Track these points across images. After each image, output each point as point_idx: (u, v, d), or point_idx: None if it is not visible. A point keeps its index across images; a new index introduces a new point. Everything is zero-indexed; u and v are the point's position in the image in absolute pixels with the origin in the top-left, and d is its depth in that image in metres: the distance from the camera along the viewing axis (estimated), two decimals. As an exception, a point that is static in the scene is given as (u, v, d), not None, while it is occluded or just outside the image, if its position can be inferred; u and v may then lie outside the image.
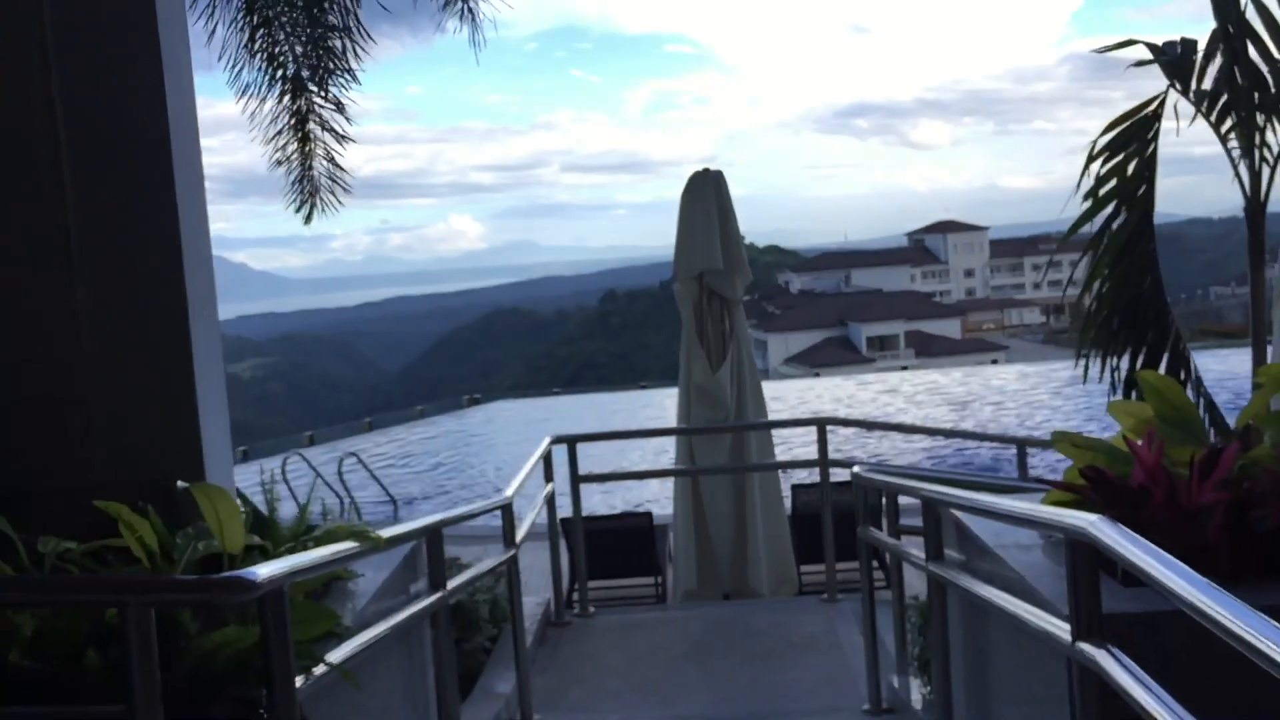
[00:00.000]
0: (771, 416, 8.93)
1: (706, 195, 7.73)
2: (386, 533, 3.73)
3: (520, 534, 5.74)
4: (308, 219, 8.19)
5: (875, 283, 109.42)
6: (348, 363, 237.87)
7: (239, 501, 4.17)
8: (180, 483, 3.12)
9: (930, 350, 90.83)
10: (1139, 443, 3.42)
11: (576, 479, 7.26)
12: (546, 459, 6.95)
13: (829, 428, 7.27)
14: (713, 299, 7.88)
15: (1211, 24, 5.18)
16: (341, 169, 8.17)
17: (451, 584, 4.35)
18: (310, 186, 8.10)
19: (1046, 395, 23.83)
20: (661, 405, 26.77)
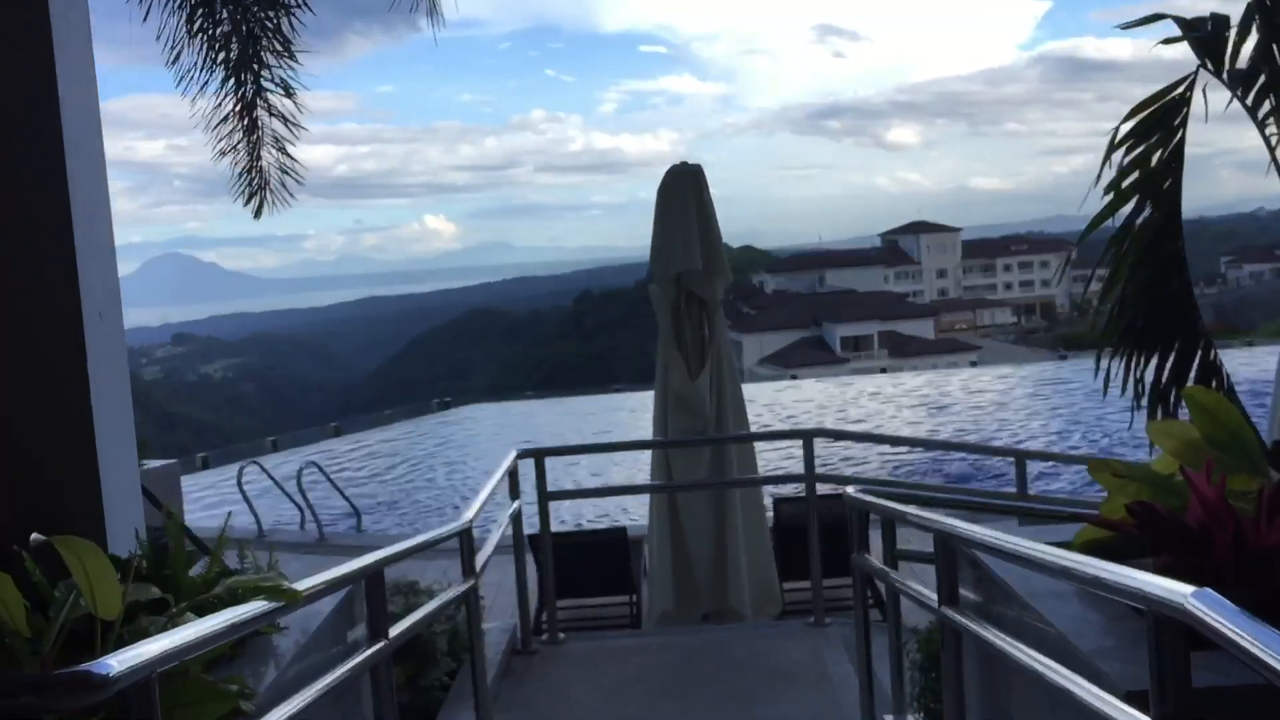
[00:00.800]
0: (751, 421, 8.39)
1: (685, 192, 7.21)
2: (317, 580, 3.20)
3: (482, 559, 5.20)
4: (257, 212, 7.65)
5: (849, 283, 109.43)
6: (321, 363, 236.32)
7: (140, 543, 3.61)
8: (35, 536, 2.56)
9: (904, 350, 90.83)
10: (1195, 473, 2.92)
11: (545, 495, 6.72)
12: (512, 474, 6.40)
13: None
14: (691, 302, 7.35)
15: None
16: (292, 159, 7.62)
17: (397, 629, 3.81)
18: (259, 178, 7.55)
19: (1026, 398, 23.47)
20: (636, 409, 26.26)
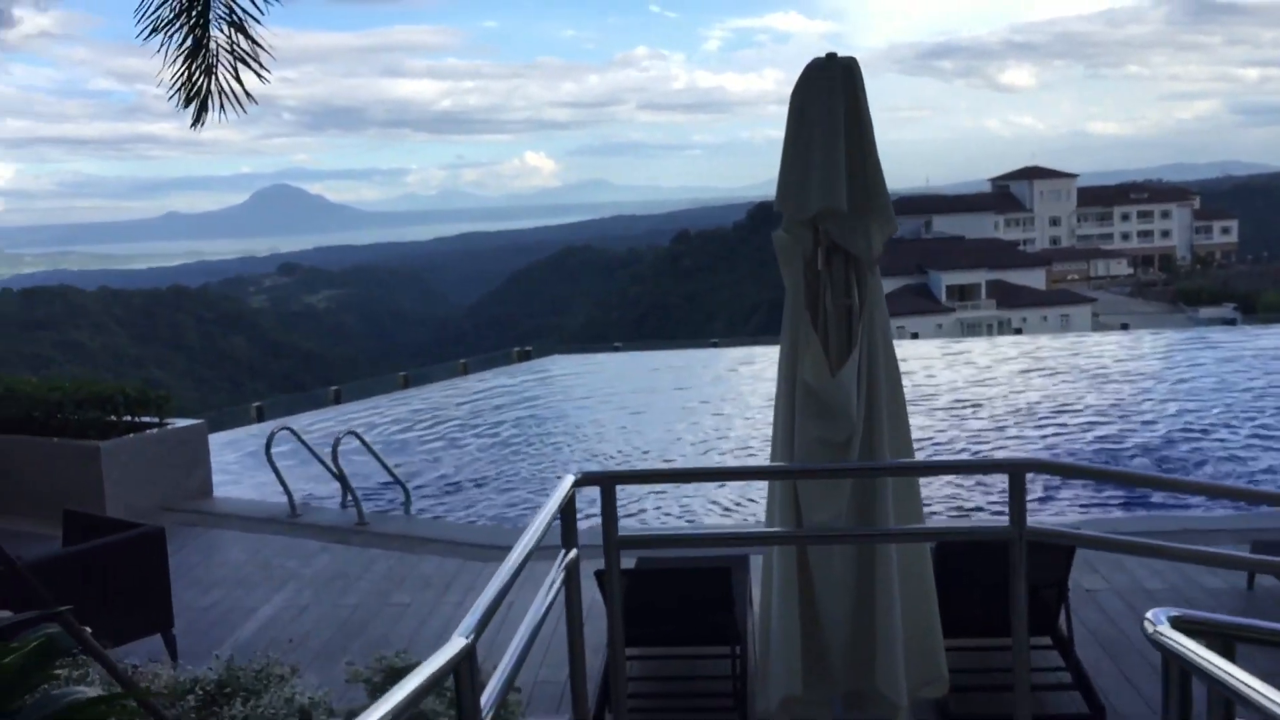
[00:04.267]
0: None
1: (831, 100, 4.96)
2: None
3: (489, 695, 3.11)
4: (196, 119, 5.68)
5: (957, 229, 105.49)
6: (420, 297, 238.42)
7: None
8: None
9: (1013, 301, 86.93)
10: None
11: (615, 540, 4.60)
12: (567, 511, 4.30)
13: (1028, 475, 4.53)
14: (835, 256, 5.12)
15: None
16: (239, 81, 5.68)
17: None
18: (206, 61, 5.55)
19: (1212, 369, 20.60)
20: (735, 370, 24.00)
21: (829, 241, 5.08)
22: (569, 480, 4.45)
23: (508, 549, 9.14)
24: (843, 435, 5.01)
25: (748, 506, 11.70)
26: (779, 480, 5.14)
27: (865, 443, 5.03)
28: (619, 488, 4.66)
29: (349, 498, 10.43)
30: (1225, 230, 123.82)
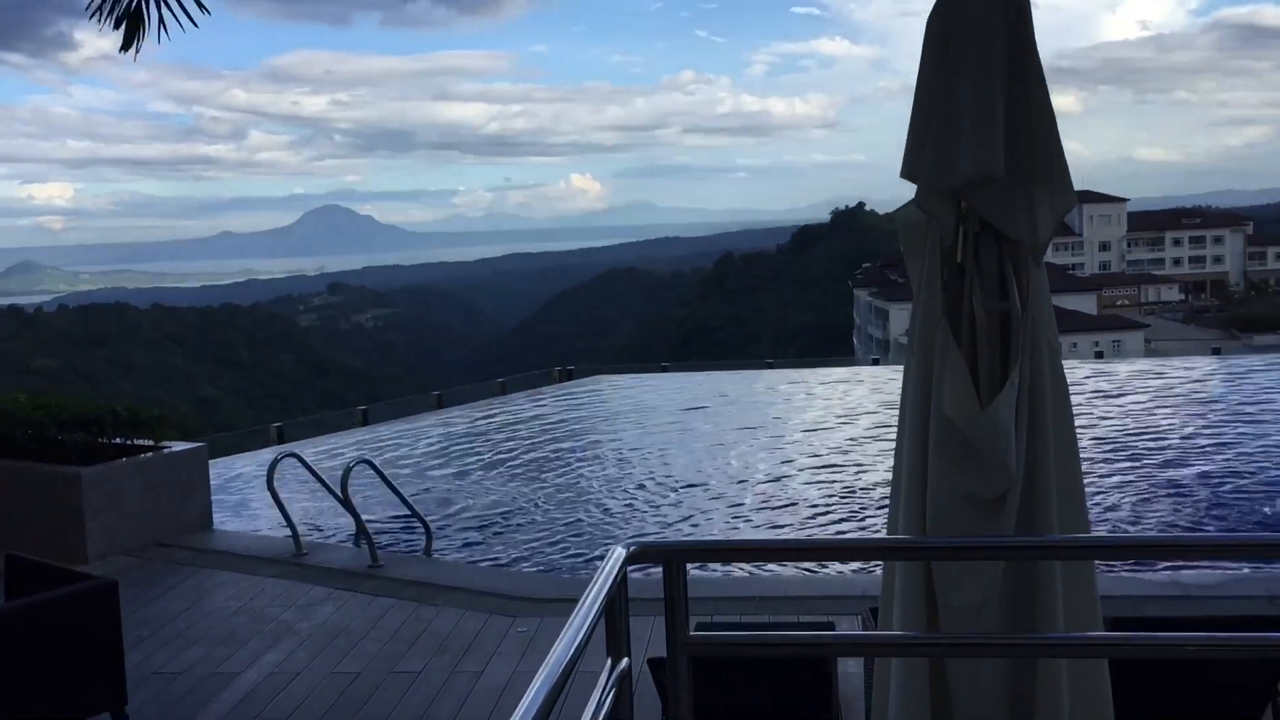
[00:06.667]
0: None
1: (987, 33, 3.58)
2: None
3: None
4: (128, 42, 4.47)
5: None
6: (466, 316, 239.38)
7: None
8: None
9: (1064, 325, 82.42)
10: None
11: (684, 643, 3.17)
12: (611, 609, 2.91)
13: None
14: (985, 243, 3.73)
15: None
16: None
17: None
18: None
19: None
20: (790, 393, 22.50)
21: (980, 222, 3.68)
22: (618, 556, 3.07)
23: (538, 600, 7.69)
24: (996, 489, 3.59)
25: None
26: (907, 560, 3.69)
27: (1025, 500, 3.62)
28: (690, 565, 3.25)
29: (361, 536, 9.12)
30: (1279, 256, 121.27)
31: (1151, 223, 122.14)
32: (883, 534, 11.04)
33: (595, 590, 2.94)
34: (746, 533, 11.82)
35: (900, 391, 3.90)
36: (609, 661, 3.04)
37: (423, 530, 9.67)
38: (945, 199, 3.70)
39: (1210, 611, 6.92)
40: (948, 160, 3.61)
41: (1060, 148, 3.63)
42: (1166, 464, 13.75)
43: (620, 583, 3.04)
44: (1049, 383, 3.70)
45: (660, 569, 3.22)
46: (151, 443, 10.05)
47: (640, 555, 3.14)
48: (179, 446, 10.23)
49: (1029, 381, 3.64)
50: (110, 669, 5.64)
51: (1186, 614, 6.78)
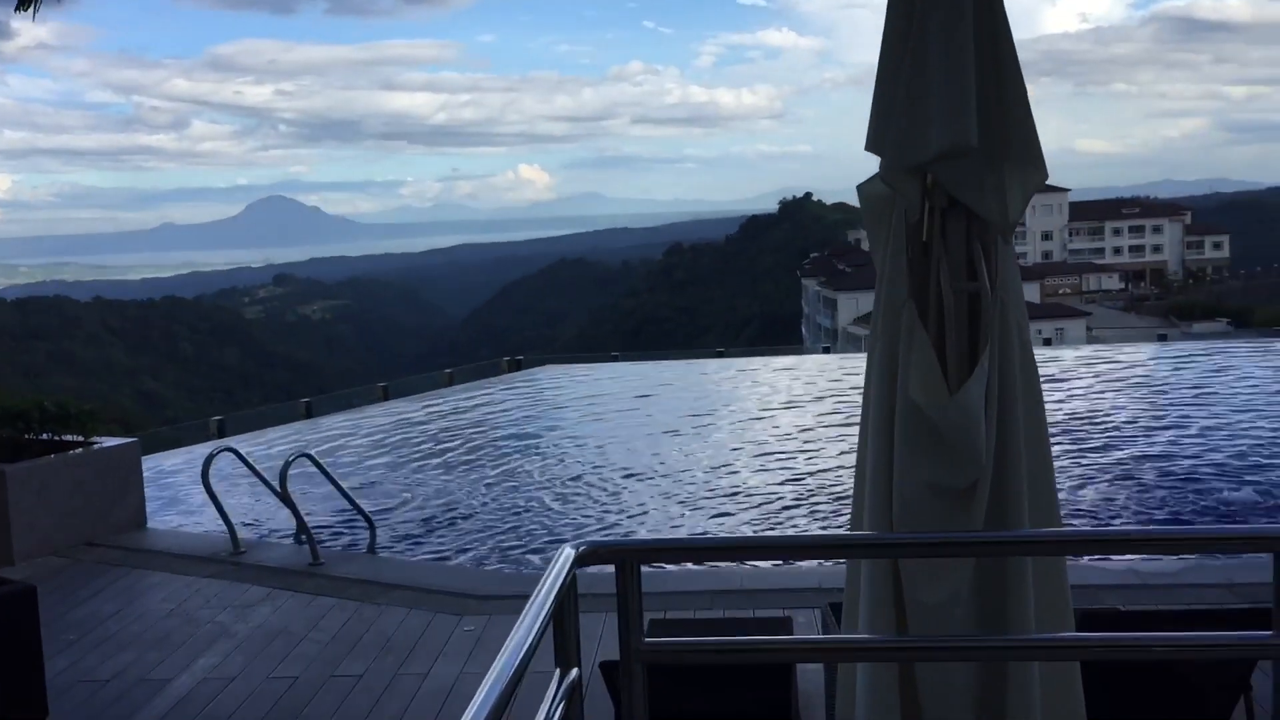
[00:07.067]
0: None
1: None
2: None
3: None
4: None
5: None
6: (414, 308, 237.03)
7: None
8: None
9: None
10: None
11: (637, 651, 2.92)
12: (559, 616, 2.66)
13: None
14: (953, 220, 3.52)
15: None
16: None
17: None
18: None
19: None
20: (746, 380, 22.31)
21: (947, 199, 3.48)
22: (566, 557, 2.84)
23: (486, 598, 7.41)
24: (965, 479, 3.40)
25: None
26: (873, 558, 3.49)
27: (996, 491, 3.43)
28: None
29: (302, 533, 8.80)
30: (1217, 245, 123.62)
31: (1092, 212, 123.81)
32: (840, 521, 10.94)
33: (542, 595, 2.71)
34: (699, 519, 11.63)
35: (864, 379, 3.70)
36: (557, 672, 2.81)
37: (366, 526, 9.37)
38: (912, 174, 3.49)
39: (1170, 601, 6.84)
40: (917, 132, 3.40)
41: (1031, 120, 3.45)
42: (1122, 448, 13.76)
43: (569, 586, 2.81)
44: (1019, 367, 3.51)
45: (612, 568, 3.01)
46: (82, 439, 9.65)
47: (590, 556, 2.91)
48: (111, 442, 9.83)
49: (998, 365, 3.46)
50: (28, 678, 5.32)
51: (1146, 603, 6.68)
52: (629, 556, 2.94)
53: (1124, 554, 7.48)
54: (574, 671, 2.83)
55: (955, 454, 3.40)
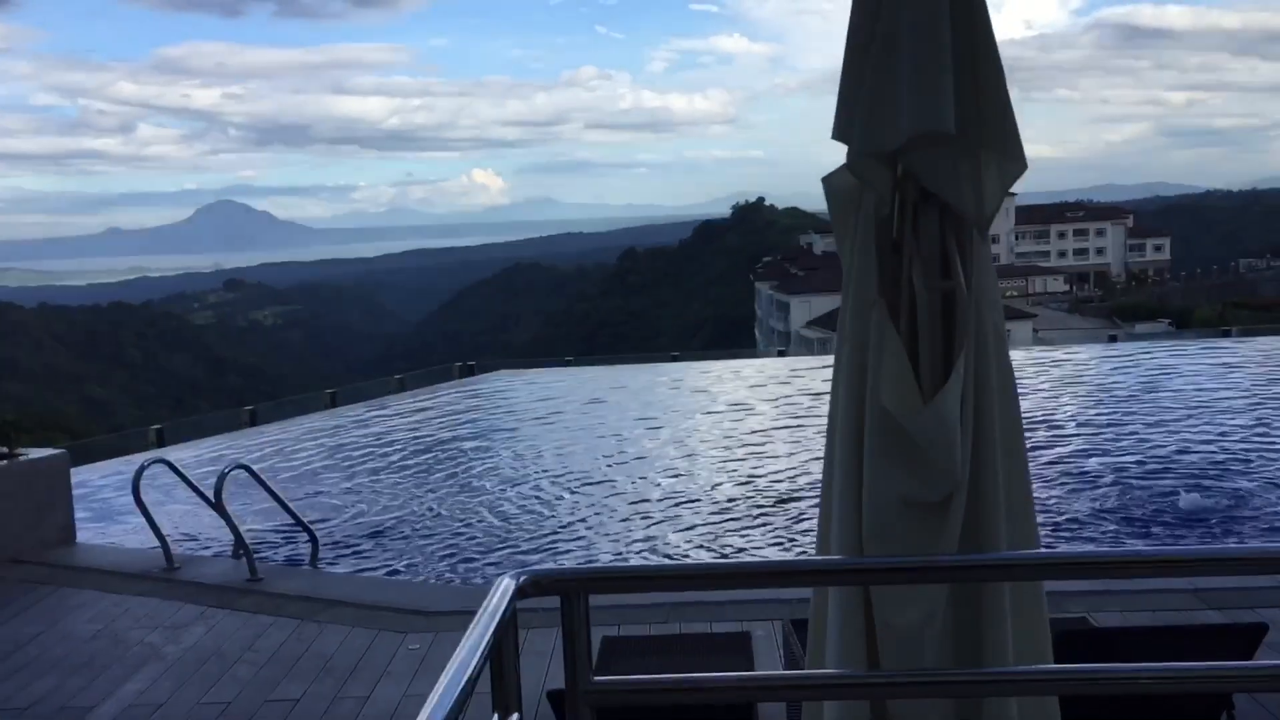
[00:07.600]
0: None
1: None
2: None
3: None
4: None
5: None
6: (368, 313, 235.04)
7: None
8: None
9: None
10: None
11: (587, 691, 2.63)
12: (497, 651, 2.38)
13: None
14: (925, 213, 3.27)
15: None
16: None
17: None
18: None
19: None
20: (703, 386, 22.06)
21: (920, 190, 3.23)
22: (505, 589, 2.54)
23: (431, 614, 7.06)
24: (940, 492, 3.15)
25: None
26: (842, 585, 3.21)
27: (972, 505, 3.18)
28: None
29: (239, 548, 8.42)
30: (1158, 248, 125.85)
31: (1038, 216, 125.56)
32: (802, 527, 10.69)
33: (477, 633, 2.40)
34: (651, 528, 11.33)
35: (831, 384, 3.43)
36: (495, 717, 2.51)
37: (308, 539, 9.00)
38: (882, 162, 3.24)
39: (1136, 606, 6.67)
40: (887, 117, 3.14)
41: (1009, 106, 3.20)
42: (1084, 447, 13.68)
43: (509, 621, 2.51)
44: (995, 371, 3.27)
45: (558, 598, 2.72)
46: (5, 450, 9.20)
47: (532, 587, 2.61)
48: (36, 453, 9.38)
49: (974, 370, 3.21)
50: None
51: (1113, 609, 6.50)
52: (576, 587, 2.64)
53: (1106, 577, 7.30)
54: (514, 717, 2.54)
55: (929, 465, 3.15)
